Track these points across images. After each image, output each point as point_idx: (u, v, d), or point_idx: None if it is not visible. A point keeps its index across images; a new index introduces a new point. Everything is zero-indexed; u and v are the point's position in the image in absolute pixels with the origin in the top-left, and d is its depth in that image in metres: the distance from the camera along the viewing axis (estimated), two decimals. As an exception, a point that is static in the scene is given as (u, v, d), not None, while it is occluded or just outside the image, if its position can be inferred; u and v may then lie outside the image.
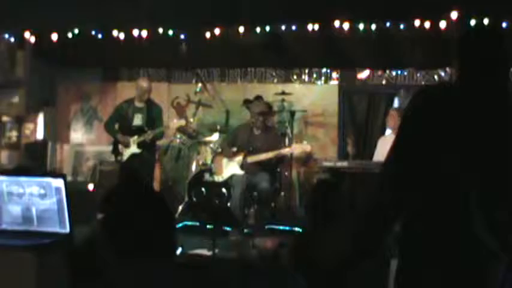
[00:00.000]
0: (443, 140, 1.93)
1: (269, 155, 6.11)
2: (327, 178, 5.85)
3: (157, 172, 7.88)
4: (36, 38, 7.38)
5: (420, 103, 2.02)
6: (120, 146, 6.48)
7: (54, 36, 7.25)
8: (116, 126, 6.57)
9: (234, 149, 6.39)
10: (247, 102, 7.11)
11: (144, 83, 6.50)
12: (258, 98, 7.00)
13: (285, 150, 6.30)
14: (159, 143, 7.16)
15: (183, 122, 6.76)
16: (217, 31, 6.79)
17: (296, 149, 6.31)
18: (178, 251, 4.26)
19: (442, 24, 5.97)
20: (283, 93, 7.18)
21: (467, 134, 1.92)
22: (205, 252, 4.88)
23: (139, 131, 6.38)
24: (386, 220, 2.00)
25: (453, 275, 1.91)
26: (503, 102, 1.98)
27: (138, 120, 6.45)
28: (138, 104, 6.50)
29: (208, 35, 6.85)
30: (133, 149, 6.36)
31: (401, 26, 6.28)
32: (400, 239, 2.01)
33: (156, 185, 7.77)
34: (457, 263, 1.91)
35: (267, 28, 6.77)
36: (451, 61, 2.09)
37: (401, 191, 1.97)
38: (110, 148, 6.67)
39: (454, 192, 1.92)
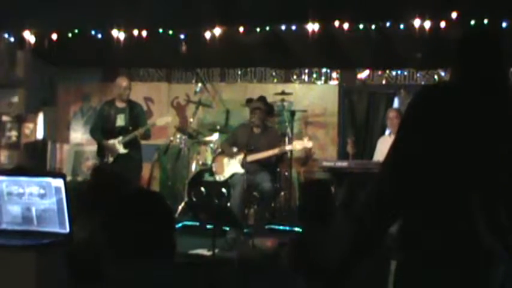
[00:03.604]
0: (443, 140, 1.93)
1: (270, 152, 6.12)
2: (313, 179, 5.87)
3: (157, 172, 7.89)
4: (36, 38, 7.38)
5: (420, 103, 2.02)
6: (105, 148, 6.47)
7: (54, 36, 7.25)
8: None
9: (235, 149, 6.39)
10: (249, 102, 7.10)
11: (123, 82, 6.48)
12: (261, 98, 7.00)
13: (286, 147, 6.31)
14: (159, 142, 7.17)
15: (168, 119, 6.77)
16: (217, 31, 6.79)
17: (297, 145, 6.31)
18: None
19: (442, 24, 5.97)
20: (283, 93, 7.17)
21: (467, 133, 1.92)
22: (205, 252, 4.88)
23: (123, 131, 6.37)
24: (386, 220, 2.00)
25: (453, 275, 1.91)
26: (503, 102, 1.98)
27: (121, 120, 6.43)
28: (119, 105, 6.47)
29: (208, 35, 6.85)
30: (120, 149, 6.36)
31: (401, 26, 6.28)
32: (399, 239, 2.01)
33: (156, 185, 7.79)
34: (457, 263, 1.91)
35: (267, 28, 6.76)
36: (451, 61, 2.10)
37: (400, 191, 1.97)
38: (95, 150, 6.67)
39: (455, 192, 1.92)
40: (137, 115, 6.48)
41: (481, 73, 1.99)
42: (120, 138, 6.33)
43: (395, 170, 1.98)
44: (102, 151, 6.47)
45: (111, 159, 6.37)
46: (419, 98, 2.03)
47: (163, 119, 6.71)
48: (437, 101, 1.98)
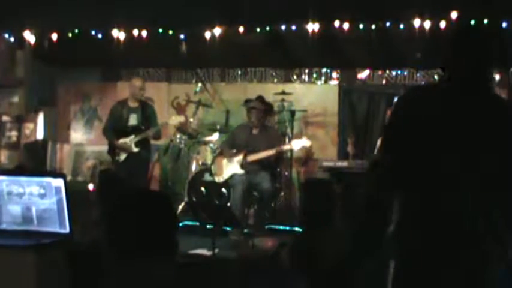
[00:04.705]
0: (427, 140, 1.95)
1: (269, 152, 6.12)
2: (315, 179, 5.87)
3: (157, 172, 7.89)
4: (36, 38, 7.38)
5: (404, 104, 2.05)
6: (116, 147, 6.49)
7: (54, 36, 7.25)
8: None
9: (234, 151, 6.39)
10: (247, 102, 7.11)
11: (138, 82, 6.54)
12: (259, 97, 7.00)
13: (285, 147, 6.32)
14: (159, 142, 7.16)
15: (182, 119, 6.78)
16: (217, 31, 6.79)
17: (296, 144, 6.31)
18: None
19: (442, 24, 5.97)
20: (283, 93, 7.17)
21: (450, 134, 1.94)
22: (205, 252, 4.88)
23: (135, 130, 6.40)
24: (379, 221, 2.01)
25: (451, 274, 1.91)
26: (484, 102, 1.99)
27: (133, 120, 6.47)
28: (132, 104, 6.51)
29: (208, 35, 6.85)
30: (132, 148, 6.38)
31: (401, 26, 6.28)
32: (396, 239, 2.01)
33: (156, 185, 7.79)
34: (455, 263, 1.91)
35: (267, 28, 6.76)
36: (441, 61, 2.11)
37: (391, 192, 1.99)
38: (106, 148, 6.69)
39: (448, 191, 1.93)
40: (149, 115, 6.53)
41: (463, 73, 2.01)
42: (133, 137, 6.37)
43: (386, 170, 2.00)
44: (113, 149, 6.49)
45: (122, 158, 6.40)
46: (403, 99, 2.07)
47: (176, 118, 6.73)
48: (420, 102, 2.01)
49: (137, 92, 6.47)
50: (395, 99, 2.14)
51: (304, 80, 7.84)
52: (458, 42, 2.07)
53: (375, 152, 6.46)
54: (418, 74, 7.39)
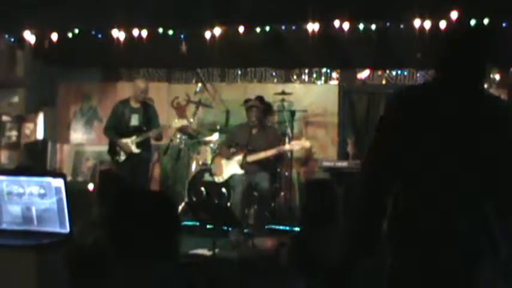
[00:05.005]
0: (420, 140, 1.96)
1: (268, 153, 6.12)
2: (318, 179, 5.89)
3: (157, 172, 7.89)
4: (36, 38, 7.37)
5: (396, 104, 2.05)
6: (117, 147, 6.50)
7: (54, 36, 7.25)
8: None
9: (233, 150, 6.39)
10: (247, 102, 7.11)
11: (141, 84, 6.55)
12: (258, 97, 7.00)
13: (285, 147, 6.32)
14: (159, 142, 7.17)
15: (184, 122, 6.79)
16: (217, 31, 6.79)
17: (295, 145, 6.32)
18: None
19: (442, 24, 5.97)
20: (283, 93, 7.18)
21: (441, 134, 1.95)
22: (205, 252, 4.89)
23: (136, 131, 6.40)
24: (379, 215, 2.02)
25: (445, 273, 1.92)
26: (475, 102, 1.99)
27: (135, 120, 6.48)
28: (134, 105, 6.53)
29: (208, 35, 6.85)
30: (133, 149, 6.39)
31: (401, 26, 6.28)
32: (389, 237, 2.02)
33: (156, 185, 7.79)
34: (448, 261, 1.92)
35: (267, 28, 6.76)
36: (434, 61, 2.12)
37: (382, 190, 2.00)
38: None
39: (442, 190, 1.94)
40: (151, 116, 6.55)
41: (457, 73, 2.01)
42: (134, 137, 6.38)
43: (377, 169, 2.01)
44: (113, 149, 6.49)
45: (122, 158, 6.40)
46: (398, 99, 2.07)
47: (179, 121, 6.73)
48: (415, 102, 2.01)
49: (139, 93, 6.48)
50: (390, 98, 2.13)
51: (304, 80, 7.84)
52: (452, 42, 2.08)
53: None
54: (418, 74, 7.39)
